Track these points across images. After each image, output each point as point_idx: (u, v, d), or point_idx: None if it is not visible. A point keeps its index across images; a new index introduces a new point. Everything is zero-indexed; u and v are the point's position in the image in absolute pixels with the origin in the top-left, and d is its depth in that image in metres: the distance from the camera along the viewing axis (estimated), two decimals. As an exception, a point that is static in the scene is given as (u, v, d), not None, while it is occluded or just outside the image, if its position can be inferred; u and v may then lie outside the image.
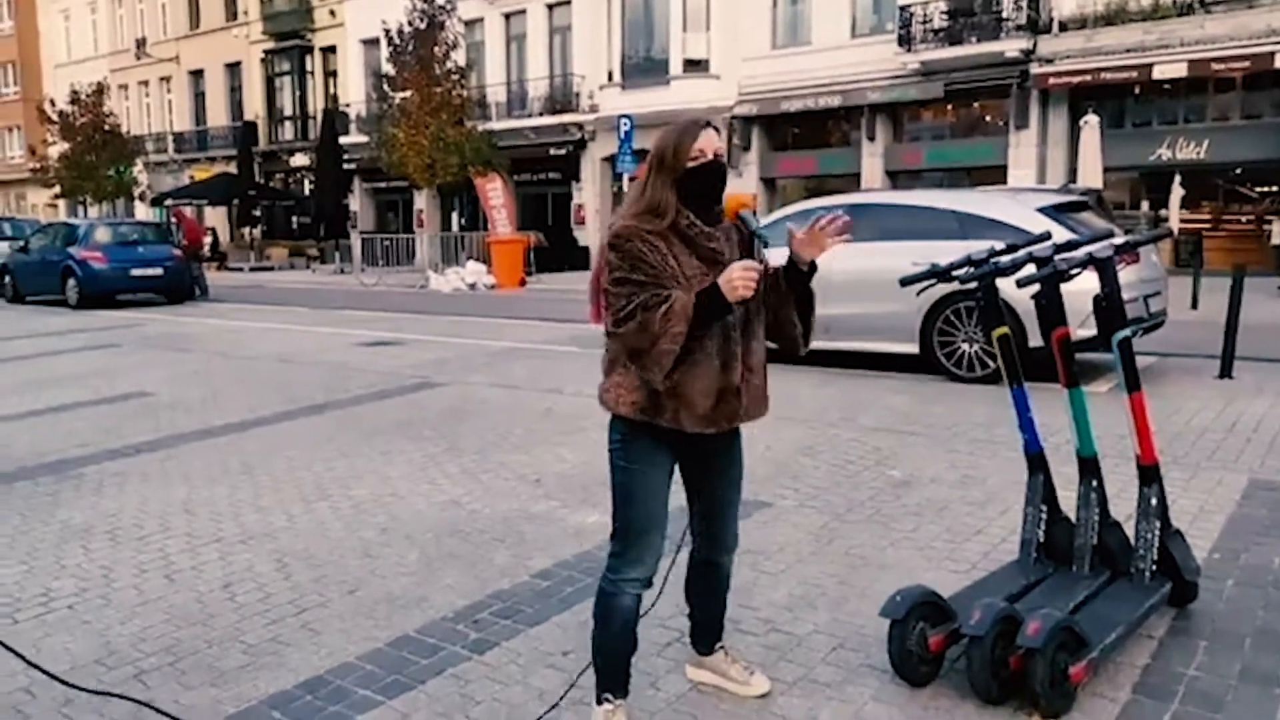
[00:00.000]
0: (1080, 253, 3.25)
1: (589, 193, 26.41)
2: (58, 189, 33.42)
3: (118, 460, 5.84)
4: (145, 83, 39.69)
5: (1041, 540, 3.33)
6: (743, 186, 23.50)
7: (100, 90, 32.61)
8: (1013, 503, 4.38)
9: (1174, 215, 17.16)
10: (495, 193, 23.28)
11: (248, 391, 8.15)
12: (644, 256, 2.37)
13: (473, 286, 20.82)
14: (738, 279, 2.26)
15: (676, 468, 2.64)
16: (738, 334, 2.50)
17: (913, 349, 7.98)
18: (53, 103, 33.02)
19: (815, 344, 9.22)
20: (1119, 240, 3.34)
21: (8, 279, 19.30)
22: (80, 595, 3.75)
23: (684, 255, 2.43)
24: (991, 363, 7.42)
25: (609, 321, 2.40)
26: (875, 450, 5.60)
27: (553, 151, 26.76)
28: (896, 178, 21.61)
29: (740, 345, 2.51)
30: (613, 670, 2.66)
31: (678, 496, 2.74)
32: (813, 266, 2.55)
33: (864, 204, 8.98)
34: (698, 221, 2.45)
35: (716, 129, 2.52)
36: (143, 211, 35.92)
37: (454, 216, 28.80)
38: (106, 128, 32.22)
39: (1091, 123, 16.32)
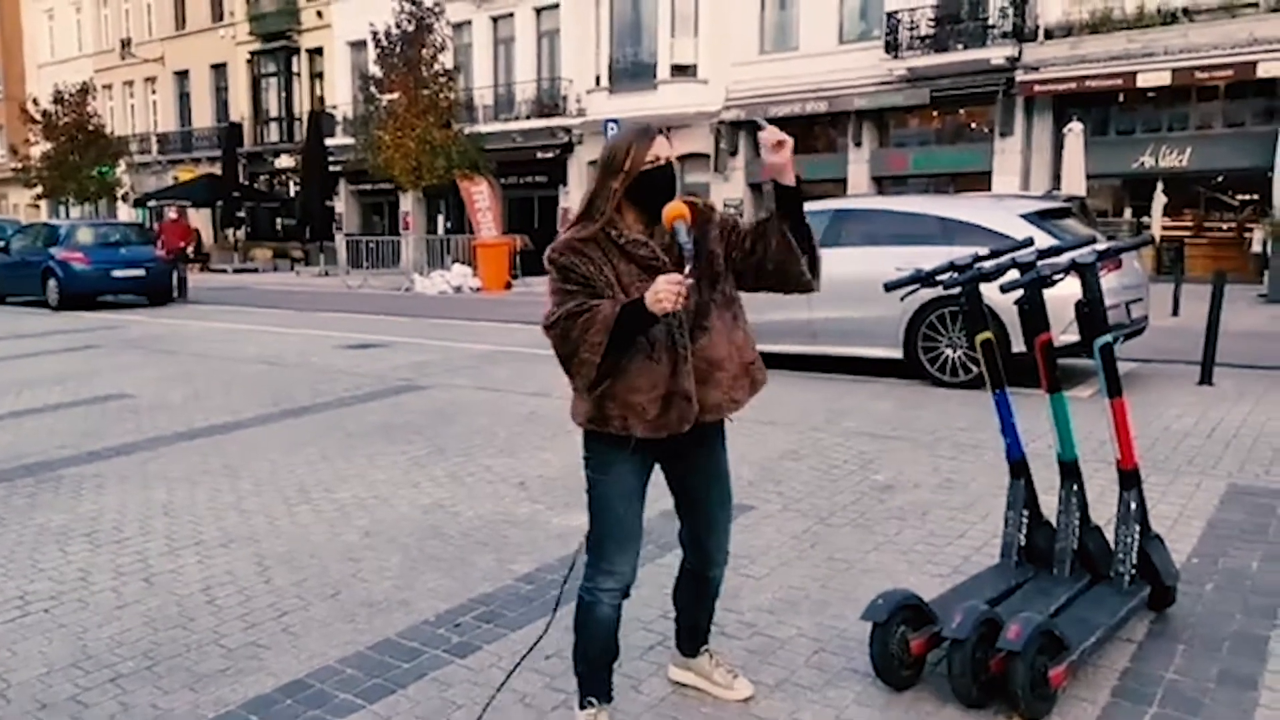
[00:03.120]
0: (1063, 259, 3.27)
1: (575, 196, 26.36)
2: (40, 189, 33.10)
3: (97, 462, 5.79)
4: (130, 83, 39.43)
5: (1023, 544, 3.34)
6: (730, 191, 23.58)
7: (84, 90, 32.31)
8: (994, 507, 4.39)
9: (1156, 223, 17.32)
10: (481, 196, 23.24)
11: (230, 393, 8.10)
12: (575, 268, 2.38)
13: (458, 289, 20.78)
14: (663, 292, 2.21)
15: (660, 476, 2.65)
16: (685, 336, 2.45)
17: (896, 354, 8.01)
18: (36, 102, 32.70)
19: (800, 349, 9.15)
20: (1101, 246, 3.36)
21: (-12, 279, 19.13)
22: (57, 598, 3.72)
23: (621, 263, 2.42)
24: (975, 368, 7.45)
25: (543, 328, 2.41)
26: (859, 455, 5.62)
27: (540, 155, 26.74)
28: (882, 183, 21.70)
29: (689, 346, 2.44)
30: (595, 676, 2.66)
31: (665, 502, 2.74)
32: (798, 185, 2.40)
33: (849, 209, 9.04)
34: (625, 230, 2.43)
35: (667, 136, 2.49)
36: (125, 212, 35.67)
37: (440, 219, 28.73)
38: (90, 128, 31.95)
39: (1075, 130, 16.46)
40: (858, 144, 21.82)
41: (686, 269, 2.28)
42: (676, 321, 2.43)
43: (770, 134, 2.36)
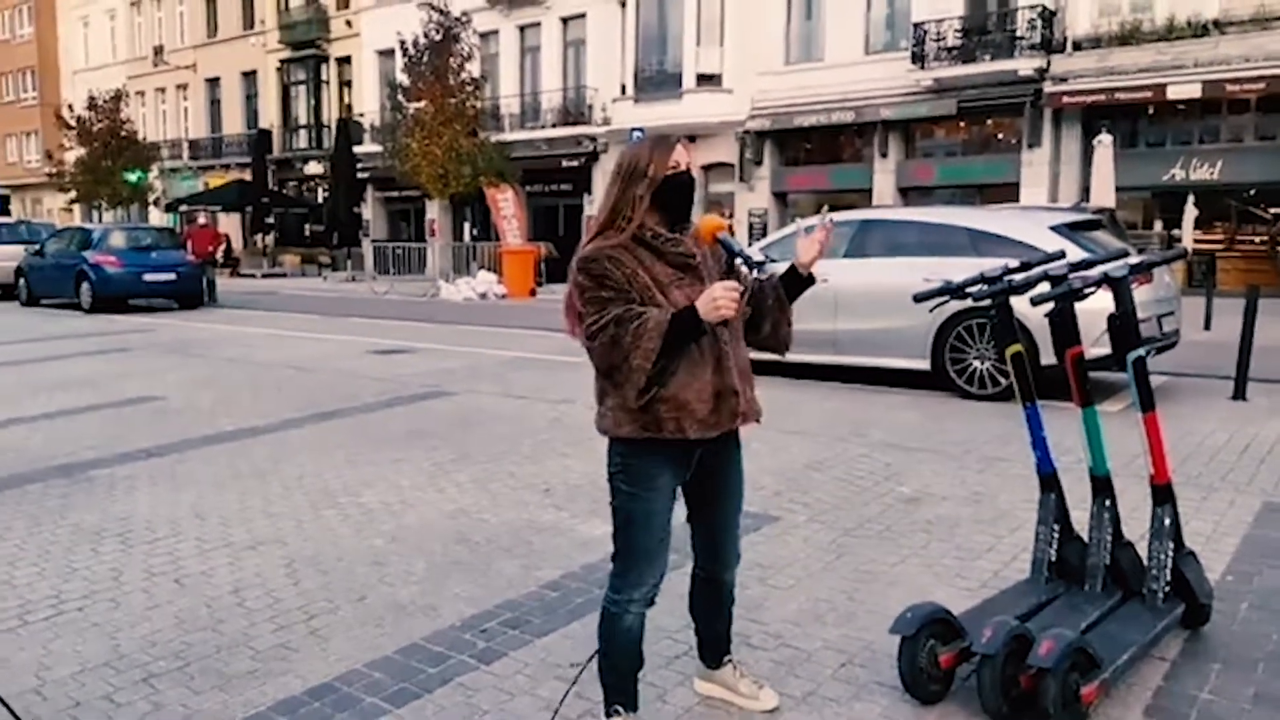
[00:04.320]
0: (1095, 271, 3.25)
1: (600, 204, 26.46)
2: (74, 194, 33.64)
3: (128, 464, 5.86)
4: (162, 90, 40.02)
5: (1053, 559, 3.31)
6: (754, 201, 23.57)
7: (118, 96, 32.85)
8: (1023, 521, 4.36)
9: (1187, 236, 17.12)
10: (506, 203, 23.38)
11: (259, 397, 8.18)
12: (609, 274, 2.39)
13: (483, 296, 20.89)
14: (720, 299, 2.27)
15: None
16: (726, 335, 2.51)
17: (924, 365, 7.96)
18: (70, 108, 33.30)
19: (825, 358, 9.11)
20: (1134, 260, 3.34)
21: (23, 282, 19.45)
22: (90, 598, 3.76)
23: (655, 264, 2.44)
24: (1003, 380, 7.40)
25: (582, 338, 2.40)
26: (885, 466, 5.59)
27: (565, 163, 26.87)
28: (908, 194, 21.62)
29: (729, 343, 2.52)
30: (620, 686, 2.66)
31: (678, 510, 2.73)
32: (811, 278, 2.60)
33: (876, 220, 9.01)
34: (661, 230, 2.47)
35: (684, 144, 2.56)
36: (157, 217, 36.16)
37: (466, 226, 28.92)
38: (123, 134, 32.45)
39: (1105, 142, 16.31)
40: (884, 154, 21.76)
41: (753, 274, 2.43)
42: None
43: (816, 238, 2.56)
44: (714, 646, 2.90)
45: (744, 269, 2.51)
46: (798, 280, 2.62)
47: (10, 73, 48.74)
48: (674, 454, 2.51)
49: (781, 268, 2.64)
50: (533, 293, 21.21)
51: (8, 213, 40.20)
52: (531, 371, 9.50)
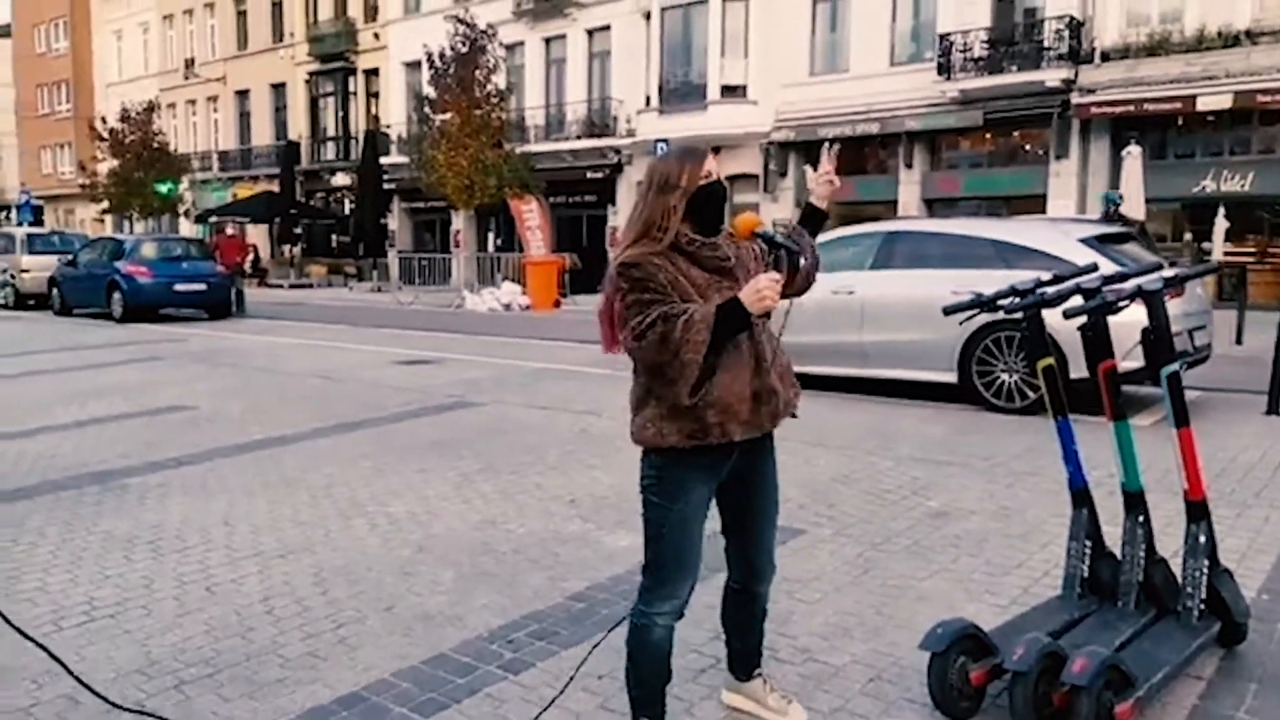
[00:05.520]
0: (1129, 285, 3.22)
1: (624, 216, 26.53)
2: (106, 204, 34.17)
3: (160, 472, 5.93)
4: (193, 102, 40.61)
5: (1085, 576, 3.27)
6: (778, 212, 23.52)
7: (150, 109, 33.37)
8: (1053, 536, 4.31)
9: (1217, 248, 16.90)
10: (531, 214, 23.48)
11: (287, 407, 8.25)
12: (653, 276, 2.40)
13: (508, 307, 20.97)
14: (764, 289, 2.29)
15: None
16: (762, 333, 2.54)
17: (951, 378, 7.91)
18: (104, 120, 33.84)
19: (852, 370, 9.04)
20: (1169, 273, 3.30)
21: (56, 292, 19.76)
22: (122, 605, 3.81)
23: (691, 269, 2.47)
24: (1031, 393, 7.33)
25: (628, 338, 2.40)
26: (912, 480, 5.55)
27: (589, 174, 26.97)
28: (933, 206, 21.51)
29: (766, 343, 2.55)
30: (648, 699, 2.65)
31: (715, 521, 2.73)
32: (825, 212, 2.75)
33: (902, 231, 8.97)
34: (696, 236, 2.50)
35: (713, 154, 2.61)
36: (187, 228, 36.65)
37: (490, 237, 29.08)
38: (155, 145, 32.94)
39: (1134, 153, 16.14)
40: (909, 166, 21.67)
41: (803, 262, 2.55)
42: (760, 321, 2.49)
43: (828, 169, 2.72)
44: (745, 659, 2.89)
45: (784, 254, 2.54)
46: (815, 216, 2.74)
47: (46, 85, 49.66)
48: (711, 462, 2.51)
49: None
50: (557, 304, 21.27)
51: (41, 223, 40.89)
52: (557, 382, 9.52)
